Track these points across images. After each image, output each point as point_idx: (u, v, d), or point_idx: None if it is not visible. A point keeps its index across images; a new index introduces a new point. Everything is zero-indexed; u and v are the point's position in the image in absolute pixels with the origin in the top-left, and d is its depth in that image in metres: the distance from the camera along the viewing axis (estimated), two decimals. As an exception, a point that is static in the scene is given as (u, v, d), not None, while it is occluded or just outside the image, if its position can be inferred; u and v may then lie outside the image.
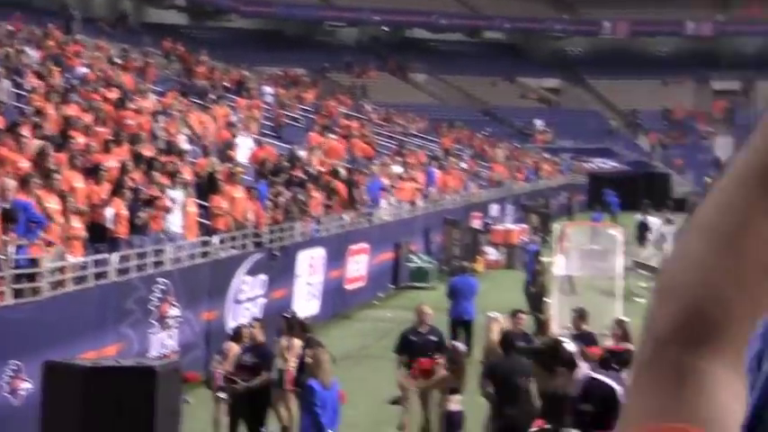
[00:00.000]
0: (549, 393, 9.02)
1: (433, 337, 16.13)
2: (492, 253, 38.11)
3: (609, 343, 16.24)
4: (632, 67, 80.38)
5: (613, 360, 14.96)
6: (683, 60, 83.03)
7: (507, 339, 15.13)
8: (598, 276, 28.27)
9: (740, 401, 1.17)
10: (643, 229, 40.63)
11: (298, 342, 15.36)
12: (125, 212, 18.89)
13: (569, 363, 8.42)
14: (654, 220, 41.64)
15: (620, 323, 16.81)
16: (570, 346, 9.01)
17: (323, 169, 30.25)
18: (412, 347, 15.83)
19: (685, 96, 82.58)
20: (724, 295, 1.20)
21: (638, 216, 45.25)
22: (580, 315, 17.30)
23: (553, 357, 8.51)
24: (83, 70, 31.91)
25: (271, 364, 14.92)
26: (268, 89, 45.54)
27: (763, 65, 78.94)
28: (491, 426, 12.64)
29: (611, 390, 8.33)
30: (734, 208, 1.22)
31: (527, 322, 17.16)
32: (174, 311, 18.75)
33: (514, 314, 16.97)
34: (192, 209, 21.62)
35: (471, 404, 13.86)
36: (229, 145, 29.04)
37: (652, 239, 39.03)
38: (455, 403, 13.60)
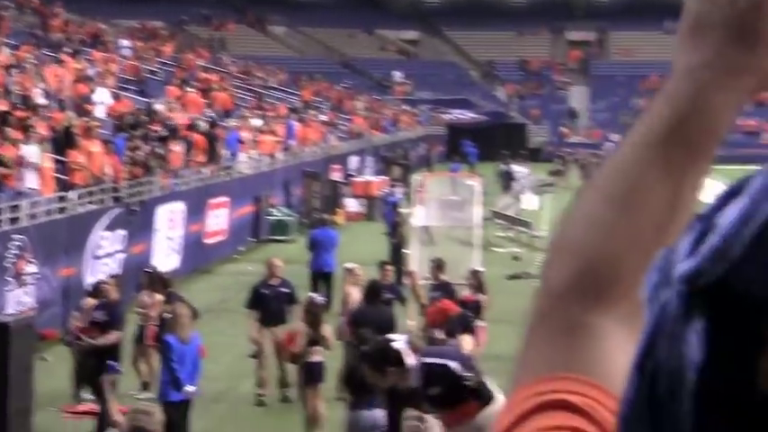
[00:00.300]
0: (389, 389, 9.07)
1: (284, 290, 16.13)
2: (352, 205, 38.18)
3: (465, 292, 16.47)
4: (489, 18, 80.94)
5: (469, 309, 15.22)
6: (538, 11, 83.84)
7: (374, 289, 15.28)
8: (456, 226, 28.58)
9: (627, 354, 1.10)
10: (507, 178, 41.08)
11: (159, 297, 15.24)
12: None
13: (398, 361, 8.50)
14: (519, 169, 42.19)
15: (475, 273, 17.04)
16: (398, 344, 9.08)
17: (181, 123, 29.88)
18: (264, 301, 15.82)
19: (541, 47, 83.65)
20: (618, 253, 1.25)
21: (502, 166, 45.89)
22: (438, 265, 17.48)
23: (382, 359, 8.57)
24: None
25: (121, 323, 14.68)
26: (125, 42, 44.67)
27: (617, 15, 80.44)
28: (350, 374, 12.72)
29: (445, 366, 8.45)
30: (631, 170, 1.27)
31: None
32: (30, 268, 18.41)
33: (381, 266, 17.13)
34: (48, 164, 21.17)
35: (329, 355, 13.93)
36: (86, 99, 28.51)
37: (518, 188, 39.51)
38: (315, 354, 13.64)
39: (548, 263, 1.31)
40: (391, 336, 9.53)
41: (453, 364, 8.37)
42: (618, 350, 1.22)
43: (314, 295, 16.24)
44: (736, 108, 1.27)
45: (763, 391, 0.84)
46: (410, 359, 8.53)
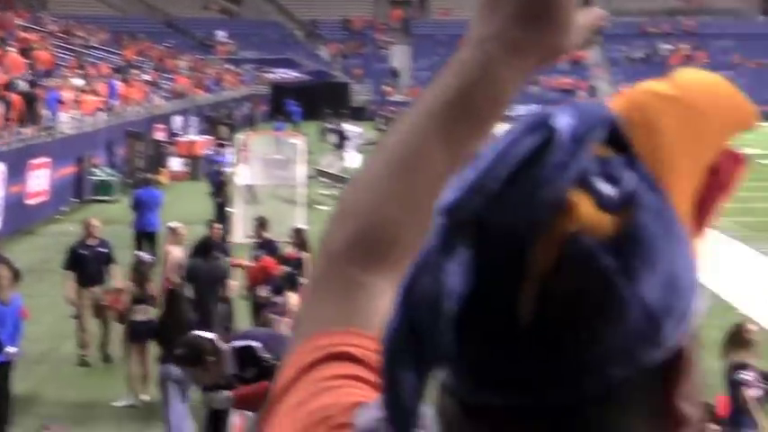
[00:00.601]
0: (213, 384, 9.07)
1: (102, 250, 16.00)
2: (176, 165, 37.90)
3: (289, 250, 16.62)
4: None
5: (291, 266, 15.38)
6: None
7: (206, 244, 15.36)
8: (280, 185, 28.68)
9: None
10: (341, 137, 41.21)
11: (-22, 259, 14.97)
12: None
13: (214, 350, 8.54)
14: (352, 128, 42.37)
15: (297, 232, 17.18)
16: (207, 334, 9.13)
17: (0, 83, 29.17)
18: (82, 261, 15.67)
19: (363, 7, 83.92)
20: (396, 218, 1.30)
21: (330, 125, 46.05)
22: (261, 224, 17.61)
23: (198, 352, 8.57)
24: None
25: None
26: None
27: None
28: (161, 328, 12.76)
29: (249, 347, 8.55)
30: (414, 137, 1.31)
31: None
32: None
33: (210, 224, 17.21)
34: None
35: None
36: None
37: (351, 146, 39.63)
38: (141, 313, 13.61)
39: (330, 224, 1.36)
40: (196, 332, 9.52)
41: (255, 344, 8.49)
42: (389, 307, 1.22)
43: (141, 254, 16.18)
44: (520, 80, 1.33)
45: (521, 322, 0.88)
46: (223, 345, 8.60)
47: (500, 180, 0.87)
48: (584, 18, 1.33)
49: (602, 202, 0.88)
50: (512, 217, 0.87)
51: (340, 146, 40.11)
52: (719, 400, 10.59)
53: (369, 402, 1.13)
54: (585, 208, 0.87)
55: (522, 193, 0.87)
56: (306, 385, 1.24)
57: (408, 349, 0.93)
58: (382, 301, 1.28)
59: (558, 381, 0.89)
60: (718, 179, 0.96)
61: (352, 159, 36.45)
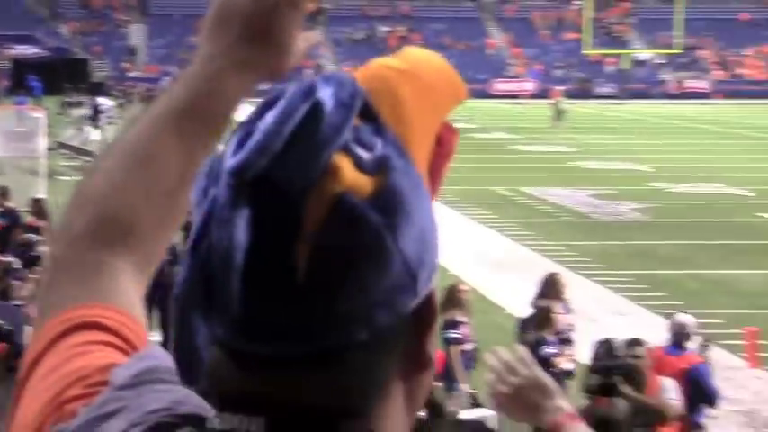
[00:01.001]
0: None
1: None
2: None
3: (29, 219, 16.91)
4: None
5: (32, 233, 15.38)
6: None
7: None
8: (22, 157, 28.75)
9: (138, 292, 1.35)
10: (96, 111, 40.56)
11: None
12: None
13: None
14: (105, 102, 41.82)
15: (36, 201, 17.40)
16: None
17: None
18: None
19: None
20: (134, 207, 1.35)
21: (85, 99, 45.44)
22: (2, 193, 17.68)
23: None
24: None
25: None
26: None
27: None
28: None
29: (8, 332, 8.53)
30: (149, 136, 1.37)
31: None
32: None
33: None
34: None
35: None
36: None
37: (104, 119, 39.05)
38: None
39: (69, 210, 1.38)
40: None
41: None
42: (131, 286, 1.33)
43: None
44: (245, 92, 1.40)
45: (297, 275, 0.94)
46: None
47: (281, 143, 0.93)
48: (302, 42, 1.41)
49: (361, 166, 0.94)
50: (287, 177, 0.93)
51: (93, 119, 39.61)
52: (439, 355, 11.46)
53: (123, 363, 1.15)
54: (348, 170, 0.94)
55: (299, 154, 0.93)
56: (57, 352, 1.23)
57: (199, 297, 0.99)
58: (124, 280, 1.32)
59: (329, 329, 0.94)
60: (442, 149, 1.05)
61: (98, 133, 36.23)
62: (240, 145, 0.96)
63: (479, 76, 69.86)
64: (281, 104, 0.97)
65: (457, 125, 1.08)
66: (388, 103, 1.01)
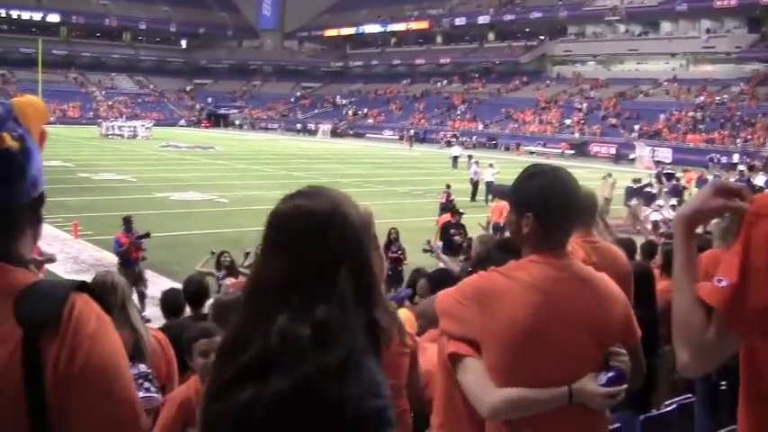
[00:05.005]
0: None
1: None
2: None
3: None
4: None
5: None
6: None
7: None
8: None
9: None
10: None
11: None
12: None
13: None
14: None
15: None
16: None
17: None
18: None
19: None
20: None
21: None
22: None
23: None
24: None
25: None
26: None
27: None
28: None
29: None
30: None
31: None
32: None
33: None
34: None
35: None
36: None
37: None
38: None
39: None
40: None
41: None
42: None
43: None
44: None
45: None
46: None
47: None
48: None
49: (13, 137, 2.18)
50: None
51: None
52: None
53: None
54: (8, 138, 2.19)
55: None
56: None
57: None
58: None
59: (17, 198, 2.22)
60: (42, 139, 2.35)
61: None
62: None
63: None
64: None
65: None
66: (21, 113, 2.23)
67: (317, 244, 2.28)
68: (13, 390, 2.01)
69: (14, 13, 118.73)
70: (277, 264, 2.28)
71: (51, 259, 13.92)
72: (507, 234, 3.86)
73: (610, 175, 36.23)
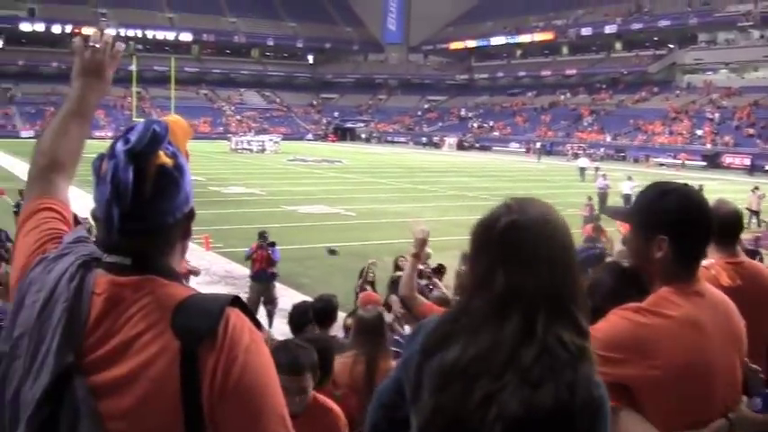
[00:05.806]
0: None
1: None
2: None
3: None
4: None
5: None
6: None
7: None
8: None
9: (67, 192, 2.80)
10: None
11: None
12: None
13: None
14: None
15: None
16: None
17: None
18: None
19: None
20: (64, 153, 2.72)
21: None
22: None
23: None
24: None
25: None
26: None
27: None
28: None
29: None
30: (62, 120, 2.77)
31: None
32: None
33: None
34: None
35: None
36: None
37: None
38: None
39: (35, 154, 2.73)
40: None
41: None
42: (65, 190, 2.71)
43: None
44: (95, 104, 2.85)
45: (147, 194, 2.28)
46: None
47: (145, 141, 2.22)
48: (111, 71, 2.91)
49: (167, 154, 2.26)
50: (146, 154, 2.20)
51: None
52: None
53: (68, 231, 2.54)
54: (163, 155, 2.25)
55: (150, 146, 2.21)
56: (36, 220, 2.56)
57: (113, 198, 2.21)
58: (63, 187, 2.69)
59: (156, 217, 2.26)
60: (186, 156, 2.40)
61: None
62: (126, 142, 2.19)
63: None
64: (139, 127, 2.22)
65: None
66: (170, 132, 2.29)
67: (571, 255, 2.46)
68: (170, 401, 2.07)
69: (150, 34, 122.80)
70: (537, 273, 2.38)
71: (196, 272, 14.53)
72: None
73: (757, 188, 35.47)
